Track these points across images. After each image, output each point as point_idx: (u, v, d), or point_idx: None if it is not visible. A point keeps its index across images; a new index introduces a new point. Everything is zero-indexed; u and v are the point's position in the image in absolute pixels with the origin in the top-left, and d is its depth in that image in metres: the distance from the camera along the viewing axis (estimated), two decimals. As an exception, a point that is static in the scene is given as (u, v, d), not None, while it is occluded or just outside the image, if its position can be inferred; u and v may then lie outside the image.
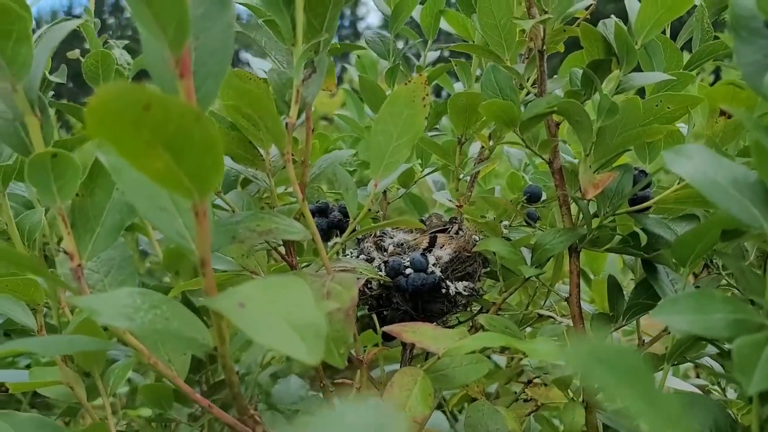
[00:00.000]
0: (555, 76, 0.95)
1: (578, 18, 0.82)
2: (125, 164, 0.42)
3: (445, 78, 1.10)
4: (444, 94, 1.63)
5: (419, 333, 0.62)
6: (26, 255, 0.47)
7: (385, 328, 0.64)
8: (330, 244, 0.73)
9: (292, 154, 0.62)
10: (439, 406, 1.01)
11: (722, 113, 0.72)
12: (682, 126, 0.81)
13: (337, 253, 0.75)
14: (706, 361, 0.76)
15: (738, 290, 0.69)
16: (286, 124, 0.57)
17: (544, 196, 0.91)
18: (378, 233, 0.90)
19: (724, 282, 0.74)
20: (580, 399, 0.73)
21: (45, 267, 0.48)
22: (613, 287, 0.76)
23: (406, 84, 0.67)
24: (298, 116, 0.59)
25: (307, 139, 0.65)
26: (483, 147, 0.99)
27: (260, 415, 0.52)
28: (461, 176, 0.97)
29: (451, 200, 0.99)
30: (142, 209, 0.46)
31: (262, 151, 0.69)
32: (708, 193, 0.51)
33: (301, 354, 0.38)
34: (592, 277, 1.15)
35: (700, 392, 0.94)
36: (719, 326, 0.47)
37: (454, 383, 0.64)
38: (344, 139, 1.35)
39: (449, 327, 0.90)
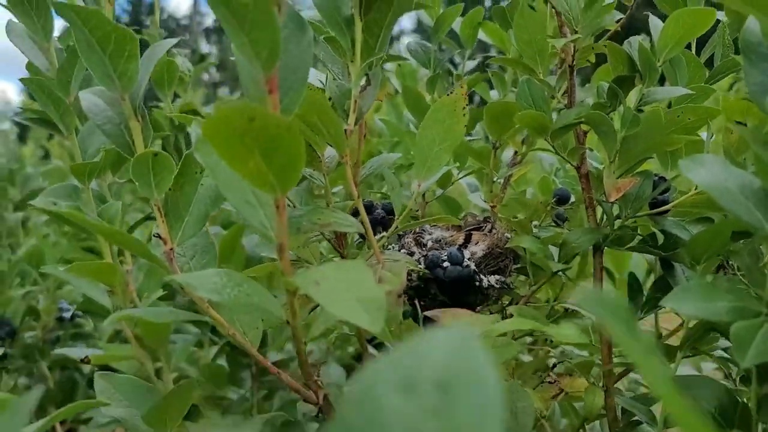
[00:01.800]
0: (586, 86, 1.03)
1: (609, 30, 0.89)
2: (220, 164, 0.51)
3: (482, 85, 1.17)
4: (476, 99, 1.70)
5: (457, 317, 0.71)
6: (126, 235, 0.56)
7: (427, 313, 0.72)
8: (376, 238, 0.81)
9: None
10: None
11: (738, 124, 0.79)
12: (703, 134, 0.88)
13: (382, 247, 0.83)
14: (718, 353, 0.83)
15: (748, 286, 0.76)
16: (345, 131, 0.66)
17: (572, 199, 0.98)
18: (417, 230, 0.98)
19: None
20: (601, 384, 0.81)
21: (142, 244, 0.57)
22: (634, 283, 0.84)
23: (448, 95, 0.75)
24: (355, 124, 0.67)
25: (359, 143, 0.74)
26: (516, 152, 1.07)
27: (322, 380, 0.61)
28: (495, 179, 1.05)
29: (485, 201, 1.07)
30: (233, 201, 0.55)
31: (318, 153, 0.78)
32: (718, 198, 0.58)
33: (365, 323, 0.46)
34: (617, 276, 1.22)
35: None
36: (722, 312, 0.54)
37: (487, 363, 0.72)
38: (384, 144, 1.44)
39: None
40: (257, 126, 0.44)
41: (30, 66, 0.89)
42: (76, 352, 1.23)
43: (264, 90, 0.50)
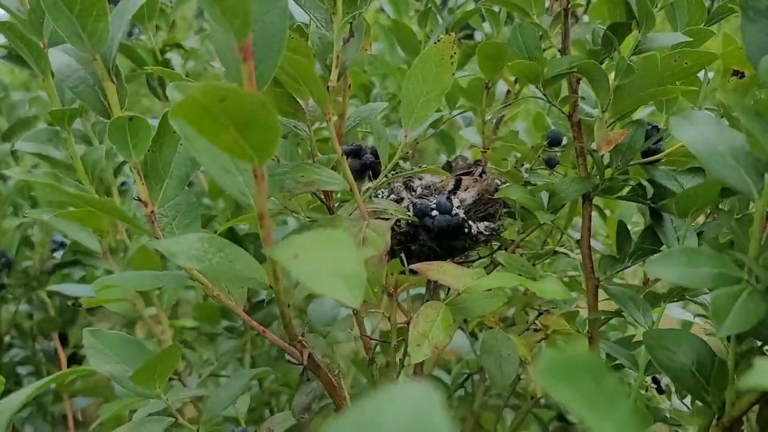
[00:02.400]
0: (583, 22, 0.99)
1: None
2: (196, 133, 0.50)
3: (475, 19, 1.13)
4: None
5: (442, 271, 0.71)
6: (106, 201, 0.55)
7: (412, 266, 0.72)
8: (363, 188, 0.80)
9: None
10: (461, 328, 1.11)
11: (735, 73, 0.77)
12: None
13: (369, 197, 0.83)
14: (704, 299, 0.84)
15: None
16: (327, 87, 0.64)
17: (564, 141, 0.97)
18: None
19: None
20: (585, 330, 0.82)
21: (121, 210, 0.56)
22: (622, 231, 0.84)
23: (436, 43, 0.73)
24: (338, 79, 0.65)
25: (344, 95, 0.72)
26: (509, 91, 1.05)
27: (307, 340, 0.62)
28: (487, 118, 1.03)
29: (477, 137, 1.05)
30: (210, 169, 0.54)
31: (301, 102, 0.76)
32: (705, 162, 0.57)
33: (345, 298, 0.46)
34: (608, 213, 1.22)
35: (693, 320, 1.03)
36: (704, 279, 0.54)
37: (472, 314, 0.73)
38: (376, 75, 1.40)
39: (471, 261, 0.99)
40: (229, 105, 0.43)
41: (2, 6, 0.86)
42: (69, 289, 1.25)
43: (238, 58, 0.48)
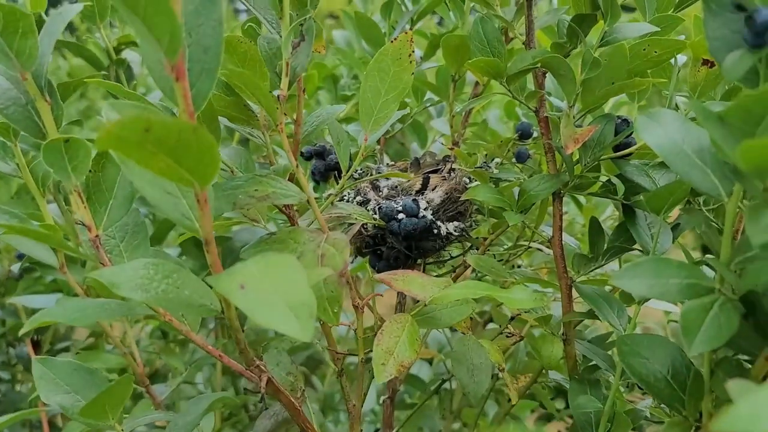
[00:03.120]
0: (553, 8, 0.96)
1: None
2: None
3: (441, 8, 1.10)
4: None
5: (407, 281, 0.68)
6: (44, 233, 0.52)
7: (377, 277, 0.70)
8: (325, 195, 0.77)
9: (285, 114, 0.66)
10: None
11: (705, 62, 0.74)
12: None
13: (332, 202, 0.80)
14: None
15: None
16: (278, 96, 0.61)
17: (535, 134, 0.94)
18: (374, 173, 0.94)
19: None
20: (560, 332, 0.80)
21: (61, 240, 0.53)
22: (594, 229, 0.81)
23: (392, 41, 0.69)
24: (289, 88, 0.62)
25: (299, 101, 0.68)
26: (477, 83, 1.02)
27: (265, 364, 0.59)
28: (456, 111, 1.00)
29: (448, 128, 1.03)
30: (149, 195, 0.50)
31: (255, 108, 0.72)
32: (672, 164, 0.55)
33: (295, 332, 0.43)
34: (584, 202, 1.20)
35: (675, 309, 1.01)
36: (674, 290, 0.52)
37: (440, 324, 0.71)
38: (344, 64, 1.36)
39: (443, 261, 0.96)
40: (156, 134, 0.39)
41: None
42: (33, 301, 1.21)
43: (170, 77, 0.45)
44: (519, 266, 1.10)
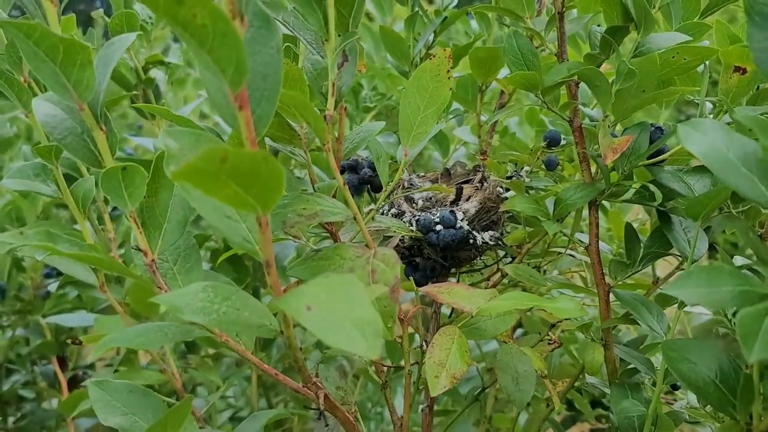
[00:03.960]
0: (573, 18, 0.97)
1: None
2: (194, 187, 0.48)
3: (464, 19, 1.11)
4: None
5: (453, 294, 0.69)
6: (108, 260, 0.53)
7: (422, 290, 0.71)
8: (366, 210, 0.78)
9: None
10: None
11: (736, 69, 0.75)
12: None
13: (372, 217, 0.81)
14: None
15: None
16: (325, 116, 0.62)
17: (563, 141, 0.95)
18: (406, 184, 0.95)
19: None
20: (599, 338, 0.81)
21: (123, 266, 0.54)
22: (630, 235, 0.82)
23: (430, 59, 0.70)
24: (335, 108, 0.63)
25: (341, 120, 0.70)
26: (503, 92, 1.03)
27: (321, 381, 0.60)
28: (483, 120, 1.01)
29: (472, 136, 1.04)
30: (211, 218, 0.51)
31: (296, 126, 0.73)
32: (719, 172, 0.55)
33: (363, 350, 0.44)
34: (608, 206, 1.21)
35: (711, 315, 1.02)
36: (727, 298, 0.53)
37: (486, 335, 0.71)
38: (364, 76, 1.37)
39: (476, 270, 0.97)
40: (230, 164, 0.40)
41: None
42: (67, 320, 1.22)
43: (234, 107, 0.46)
44: (544, 271, 1.11)
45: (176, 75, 1.23)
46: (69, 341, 0.93)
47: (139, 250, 0.58)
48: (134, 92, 1.08)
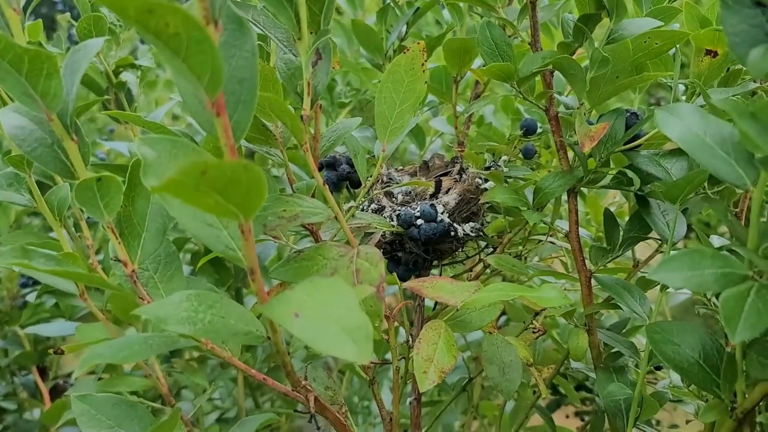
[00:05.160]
0: (545, 5, 0.96)
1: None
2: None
3: (436, 9, 1.10)
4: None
5: (438, 288, 0.69)
6: (93, 276, 0.52)
7: (406, 285, 0.70)
8: (346, 207, 0.78)
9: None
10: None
11: (707, 53, 0.76)
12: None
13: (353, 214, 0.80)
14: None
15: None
16: (302, 116, 0.61)
17: (539, 129, 0.95)
18: (384, 178, 0.95)
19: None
20: (583, 323, 0.82)
21: (105, 280, 0.53)
22: (609, 220, 0.83)
23: (405, 53, 0.70)
24: (311, 107, 0.62)
25: (316, 118, 0.69)
26: (478, 82, 1.03)
27: (310, 384, 0.60)
28: (459, 112, 1.01)
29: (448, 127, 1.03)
30: (190, 228, 0.51)
31: (271, 126, 0.72)
32: (697, 157, 0.56)
33: (353, 355, 0.44)
34: (585, 191, 1.22)
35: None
36: (710, 281, 0.53)
37: (471, 327, 0.72)
38: (337, 72, 1.36)
39: (458, 261, 0.97)
40: (211, 175, 0.40)
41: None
42: (47, 329, 1.20)
43: (211, 113, 0.45)
44: (525, 259, 1.11)
45: (147, 77, 1.21)
46: (51, 351, 0.91)
47: (119, 260, 0.57)
48: (106, 97, 1.06)
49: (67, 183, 0.86)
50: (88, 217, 1.18)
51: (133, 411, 0.63)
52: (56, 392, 1.66)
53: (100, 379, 1.15)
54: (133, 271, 0.58)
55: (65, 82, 0.53)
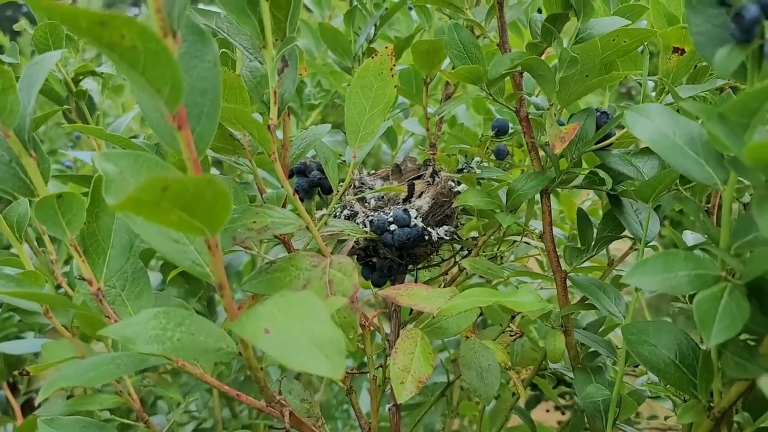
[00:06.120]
0: (513, 4, 0.96)
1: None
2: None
3: (404, 10, 1.09)
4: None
5: (413, 295, 0.68)
6: (56, 297, 0.50)
7: (381, 293, 0.70)
8: (318, 215, 0.77)
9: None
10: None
11: (675, 50, 0.76)
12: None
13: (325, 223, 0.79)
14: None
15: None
16: (269, 126, 0.60)
17: (511, 129, 0.94)
18: (357, 183, 0.94)
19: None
20: (559, 324, 0.81)
21: (73, 303, 0.52)
22: (582, 220, 0.82)
23: (373, 57, 0.69)
24: (279, 116, 0.61)
25: (285, 125, 0.68)
26: (448, 83, 1.02)
27: (285, 398, 0.58)
28: (430, 112, 1.00)
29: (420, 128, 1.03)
30: (156, 245, 0.49)
31: (238, 135, 0.71)
32: (668, 157, 0.56)
33: (326, 371, 0.43)
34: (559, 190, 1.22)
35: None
36: (683, 282, 0.53)
37: (448, 333, 0.71)
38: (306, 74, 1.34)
39: (434, 265, 0.97)
40: (173, 191, 0.38)
41: None
42: (13, 347, 1.17)
43: (172, 127, 0.43)
44: (501, 259, 1.11)
45: (111, 82, 1.18)
46: (17, 373, 0.88)
47: (84, 279, 0.56)
48: (66, 107, 1.03)
49: (26, 199, 0.83)
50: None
51: (102, 431, 0.61)
52: (29, 408, 1.63)
53: (69, 396, 1.12)
54: (99, 289, 0.56)
55: (22, 96, 0.52)
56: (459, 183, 0.88)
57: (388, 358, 0.65)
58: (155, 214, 0.40)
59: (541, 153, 0.80)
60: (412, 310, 0.93)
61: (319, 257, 0.65)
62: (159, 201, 0.38)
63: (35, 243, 1.09)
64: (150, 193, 0.37)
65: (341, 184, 0.73)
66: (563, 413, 1.65)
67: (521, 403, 1.37)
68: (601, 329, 0.89)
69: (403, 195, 0.88)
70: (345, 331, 0.59)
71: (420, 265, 0.93)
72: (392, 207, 0.85)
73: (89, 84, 1.11)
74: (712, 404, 0.61)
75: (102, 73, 1.11)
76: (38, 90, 0.52)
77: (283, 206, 0.69)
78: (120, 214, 0.58)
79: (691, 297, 0.83)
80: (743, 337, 0.61)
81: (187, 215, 0.42)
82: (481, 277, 1.15)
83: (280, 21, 0.62)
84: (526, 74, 0.82)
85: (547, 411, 1.71)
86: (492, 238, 0.92)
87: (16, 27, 1.04)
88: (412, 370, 0.62)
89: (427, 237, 0.84)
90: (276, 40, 0.61)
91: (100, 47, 0.38)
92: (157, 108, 0.43)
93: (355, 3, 1.00)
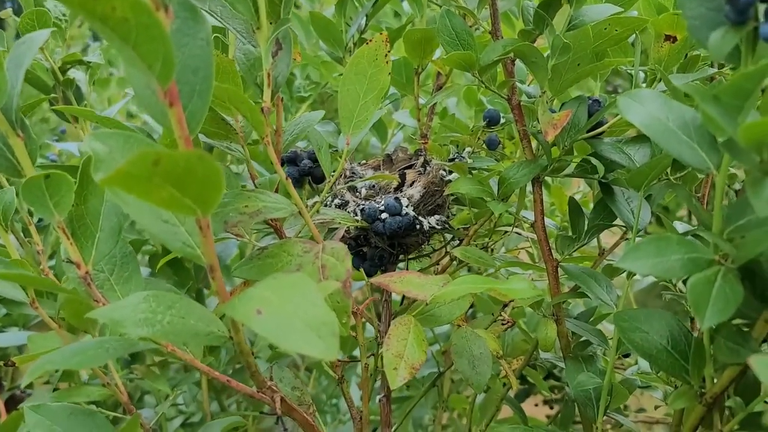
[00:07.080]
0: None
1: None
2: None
3: (396, 2, 1.09)
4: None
5: (406, 282, 0.68)
6: (42, 279, 0.49)
7: (373, 280, 0.69)
8: (310, 203, 0.76)
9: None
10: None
11: (667, 38, 0.76)
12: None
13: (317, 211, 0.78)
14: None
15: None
16: (262, 109, 0.59)
17: (502, 120, 0.94)
18: (348, 173, 0.93)
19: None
20: (551, 313, 0.81)
21: (55, 283, 0.51)
22: (574, 209, 0.82)
23: (367, 44, 0.68)
24: (272, 99, 0.60)
25: (278, 111, 0.67)
26: (440, 73, 1.02)
27: (276, 384, 0.58)
28: (422, 104, 1.00)
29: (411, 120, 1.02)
30: (146, 224, 0.48)
31: (231, 120, 0.70)
32: (661, 142, 0.56)
33: (320, 352, 0.42)
34: (550, 180, 1.22)
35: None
36: (676, 267, 0.53)
37: (441, 321, 0.71)
38: (296, 65, 1.34)
39: (425, 255, 0.96)
40: (164, 166, 0.37)
41: None
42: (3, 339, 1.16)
43: (164, 104, 0.43)
44: (492, 250, 1.11)
45: (98, 74, 1.17)
46: (2, 364, 0.87)
47: (71, 262, 0.55)
48: (53, 95, 1.02)
49: (13, 187, 0.82)
50: (38, 221, 1.14)
51: (91, 420, 0.60)
52: (13, 403, 1.61)
53: (55, 389, 1.11)
54: (87, 272, 0.55)
55: (9, 76, 0.51)
56: (450, 172, 0.87)
57: (380, 347, 0.64)
58: (146, 190, 0.39)
59: (533, 141, 0.80)
60: (403, 300, 0.93)
61: (312, 243, 0.64)
62: (150, 176, 0.37)
63: (21, 234, 1.07)
64: (141, 168, 0.36)
65: (333, 173, 0.73)
66: (551, 407, 1.66)
67: (511, 395, 1.37)
68: (591, 319, 0.89)
69: (395, 184, 0.88)
70: (338, 316, 0.59)
71: (411, 255, 0.93)
72: (383, 196, 0.85)
73: (77, 74, 1.10)
74: (704, 390, 0.61)
75: (89, 62, 1.10)
76: (25, 70, 0.51)
77: (275, 192, 0.68)
78: (109, 193, 0.57)
79: (684, 285, 0.83)
80: (735, 322, 0.61)
81: (178, 192, 0.41)
82: (469, 270, 1.15)
83: (274, 3, 0.61)
84: (517, 63, 0.82)
85: (536, 405, 1.72)
86: (483, 228, 0.92)
87: (1, 14, 1.02)
88: (406, 356, 0.62)
89: (418, 226, 0.84)
90: (270, 22, 0.60)
91: (92, 20, 0.38)
92: (149, 85, 0.43)
93: (347, -8, 0.99)
